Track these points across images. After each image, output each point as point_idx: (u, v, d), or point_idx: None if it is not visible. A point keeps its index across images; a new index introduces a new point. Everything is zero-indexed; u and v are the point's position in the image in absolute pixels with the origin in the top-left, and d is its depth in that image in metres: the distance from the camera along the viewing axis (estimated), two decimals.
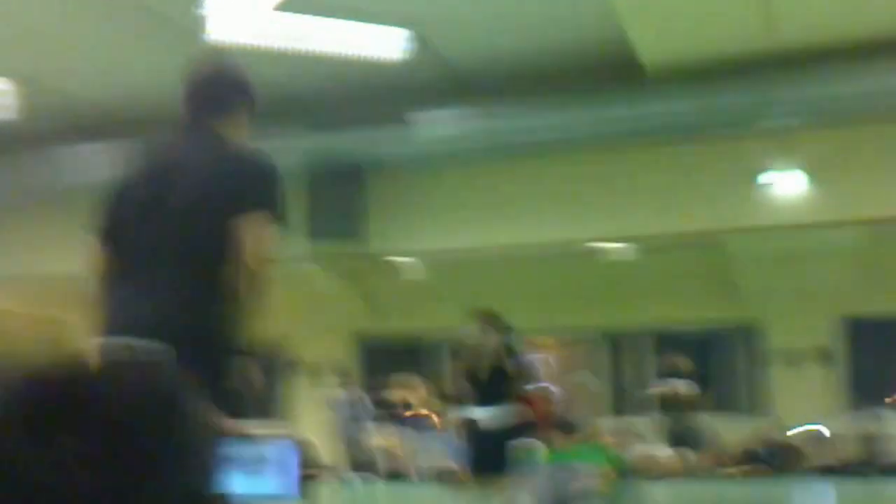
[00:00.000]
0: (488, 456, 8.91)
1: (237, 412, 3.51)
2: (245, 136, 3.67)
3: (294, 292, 16.39)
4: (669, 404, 14.93)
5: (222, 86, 3.64)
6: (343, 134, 11.56)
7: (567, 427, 9.73)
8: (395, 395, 16.61)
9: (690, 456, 15.04)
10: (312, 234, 11.90)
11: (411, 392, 15.82)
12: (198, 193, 3.33)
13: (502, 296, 16.20)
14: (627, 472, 9.88)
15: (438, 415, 15.08)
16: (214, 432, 2.46)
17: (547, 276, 17.05)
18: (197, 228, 3.33)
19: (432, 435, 15.23)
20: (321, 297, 17.62)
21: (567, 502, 8.32)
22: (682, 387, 14.76)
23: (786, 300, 16.46)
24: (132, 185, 3.50)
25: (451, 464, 11.21)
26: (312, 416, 17.93)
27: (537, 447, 8.81)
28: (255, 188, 3.36)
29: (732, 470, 15.53)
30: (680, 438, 14.91)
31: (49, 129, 11.79)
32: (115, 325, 3.30)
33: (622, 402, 18.19)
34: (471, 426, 9.22)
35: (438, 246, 13.34)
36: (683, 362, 15.02)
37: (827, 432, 15.69)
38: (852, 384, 16.74)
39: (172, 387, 1.22)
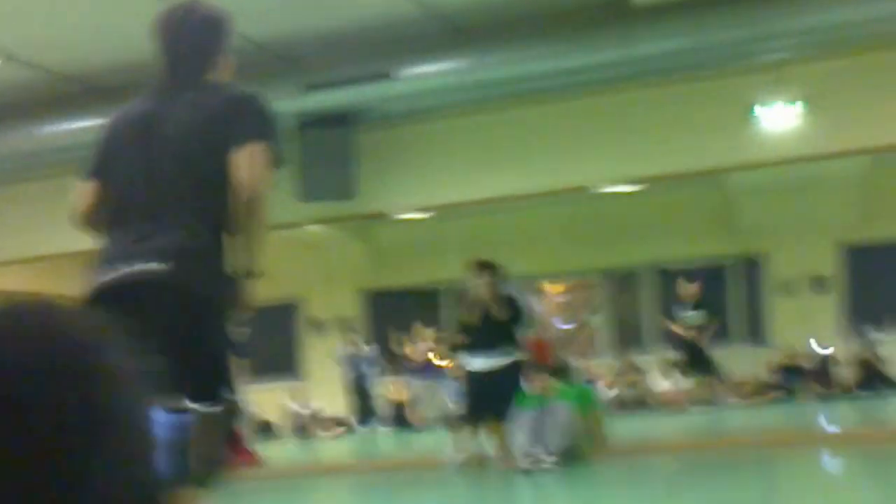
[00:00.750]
0: (484, 400, 9.00)
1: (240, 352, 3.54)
2: (230, 75, 3.58)
3: (298, 249, 16.54)
4: (682, 336, 14.96)
5: (202, 32, 3.47)
6: (333, 89, 11.43)
7: (562, 370, 9.75)
8: (402, 345, 16.68)
9: (706, 385, 15.15)
10: (306, 194, 11.80)
11: (418, 342, 15.86)
12: (194, 125, 3.29)
13: (505, 242, 16.29)
14: (607, 415, 9.97)
15: (444, 363, 15.15)
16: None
17: (548, 221, 17.09)
18: (194, 159, 3.27)
19: (439, 383, 15.31)
20: (325, 253, 17.68)
21: (553, 445, 8.36)
22: (695, 318, 14.79)
23: (785, 231, 16.51)
24: (123, 123, 3.41)
25: (455, 410, 11.29)
26: (321, 369, 18.09)
27: (532, 390, 8.83)
28: (252, 120, 3.32)
29: (748, 397, 15.68)
30: (694, 369, 14.98)
31: (30, 103, 11.64)
32: (123, 257, 3.19)
33: (627, 340, 18.27)
34: (468, 372, 9.36)
35: (434, 199, 13.24)
36: (694, 293, 15.02)
37: (830, 357, 15.72)
38: (852, 310, 16.79)
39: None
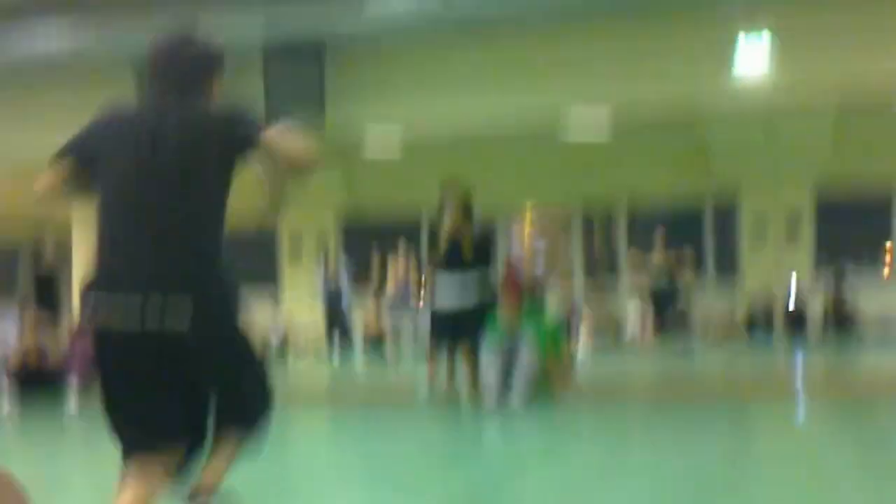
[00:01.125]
0: (455, 333, 9.08)
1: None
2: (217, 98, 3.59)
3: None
4: (655, 272, 15.15)
5: (194, 66, 3.49)
6: (299, 11, 11.33)
7: (532, 297, 9.81)
8: (379, 275, 16.78)
9: (671, 320, 15.43)
10: (269, 116, 11.79)
11: (395, 272, 15.97)
12: (191, 141, 3.29)
13: (480, 172, 16.28)
14: (568, 345, 10.14)
15: (418, 288, 15.27)
16: None
17: (526, 152, 17.09)
18: (197, 168, 3.29)
19: (414, 314, 15.44)
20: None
21: (520, 385, 8.57)
22: (666, 256, 14.95)
23: (758, 171, 16.59)
24: (115, 125, 3.37)
25: (425, 335, 11.42)
26: (300, 291, 18.26)
27: (501, 316, 8.95)
28: (249, 119, 3.38)
29: (718, 337, 15.94)
30: (663, 304, 15.20)
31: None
32: (126, 274, 3.19)
33: (598, 272, 18.48)
34: (439, 306, 9.38)
35: (404, 123, 13.26)
36: (663, 238, 15.15)
37: (803, 297, 15.95)
38: (823, 249, 17.02)
39: None
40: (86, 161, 3.34)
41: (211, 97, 3.50)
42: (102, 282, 3.21)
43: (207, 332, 3.19)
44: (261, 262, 18.65)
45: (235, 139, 3.30)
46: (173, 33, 3.55)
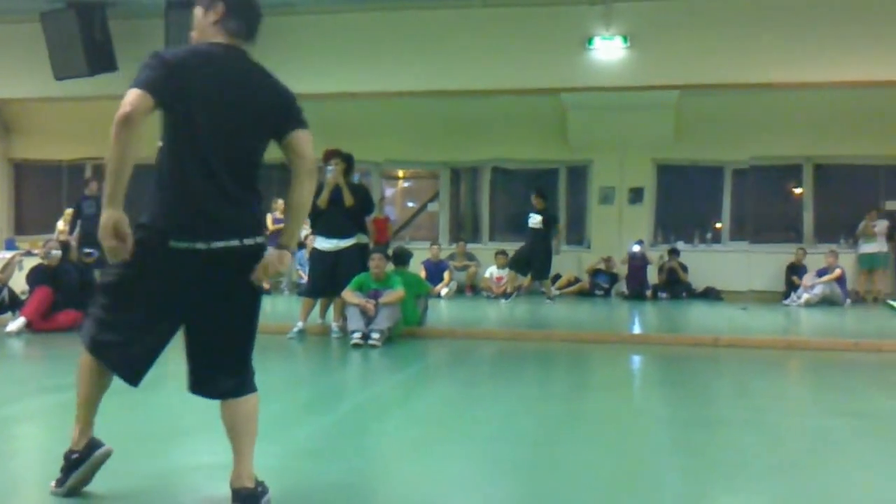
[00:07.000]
0: (328, 277, 9.34)
1: None
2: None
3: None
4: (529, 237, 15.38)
5: (258, 14, 3.48)
6: None
7: (398, 255, 10.09)
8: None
9: (523, 278, 15.81)
10: None
11: (275, 213, 15.89)
12: (272, 102, 3.37)
13: (359, 131, 16.42)
14: (427, 299, 10.44)
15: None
16: None
17: (401, 113, 17.17)
18: (262, 134, 3.38)
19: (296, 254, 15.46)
20: None
21: (380, 325, 8.81)
22: (538, 222, 15.20)
23: (609, 145, 17.05)
24: (202, 66, 3.26)
25: (303, 281, 11.46)
26: None
27: (371, 272, 9.20)
28: (302, 112, 3.47)
29: (565, 292, 16.45)
30: (527, 267, 15.55)
31: None
32: (204, 214, 3.22)
33: (464, 230, 18.79)
34: (315, 249, 9.61)
35: (293, 79, 13.25)
36: (540, 202, 15.38)
37: (641, 261, 16.46)
38: (661, 220, 17.66)
39: None
40: (168, 96, 3.18)
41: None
42: (184, 209, 3.22)
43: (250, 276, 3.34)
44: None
45: (293, 119, 3.42)
46: None
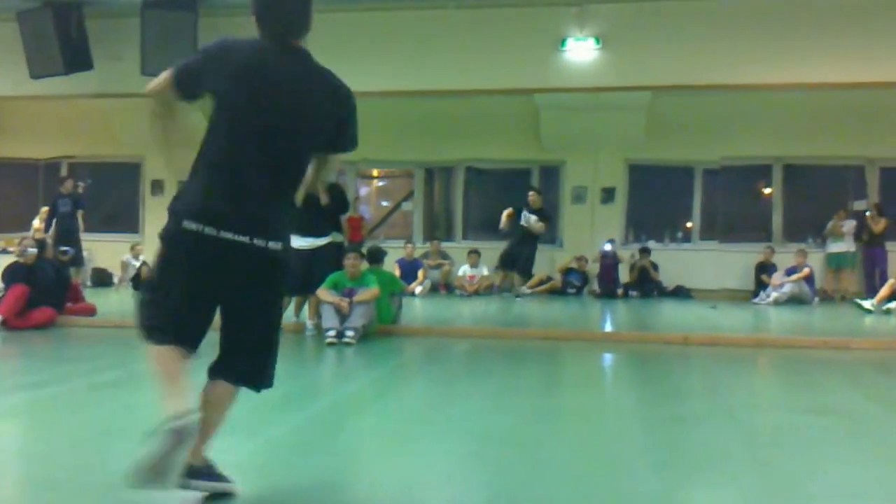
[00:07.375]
0: (303, 276, 9.19)
1: None
2: None
3: (143, 115, 16.11)
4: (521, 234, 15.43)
5: (308, 9, 3.36)
6: None
7: (372, 254, 10.09)
8: None
9: (508, 278, 15.85)
10: (144, 70, 11.60)
11: None
12: (313, 99, 3.29)
13: None
14: (401, 297, 10.44)
15: None
16: None
17: (377, 113, 17.11)
18: (311, 139, 3.34)
19: None
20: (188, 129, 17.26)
21: (354, 323, 8.80)
22: (533, 221, 15.23)
23: (581, 145, 17.12)
24: (236, 58, 3.23)
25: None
26: (160, 226, 17.87)
27: (346, 271, 9.19)
28: (354, 129, 3.43)
29: (537, 291, 16.46)
30: (509, 264, 15.56)
31: None
32: (228, 221, 3.17)
33: (438, 229, 18.80)
34: (291, 248, 9.54)
35: None
36: (536, 201, 15.44)
37: (612, 261, 16.54)
38: (632, 219, 17.74)
39: None
40: (195, 84, 3.23)
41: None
42: (201, 194, 3.20)
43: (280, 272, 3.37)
44: (125, 190, 18.36)
45: (347, 138, 3.44)
46: None
